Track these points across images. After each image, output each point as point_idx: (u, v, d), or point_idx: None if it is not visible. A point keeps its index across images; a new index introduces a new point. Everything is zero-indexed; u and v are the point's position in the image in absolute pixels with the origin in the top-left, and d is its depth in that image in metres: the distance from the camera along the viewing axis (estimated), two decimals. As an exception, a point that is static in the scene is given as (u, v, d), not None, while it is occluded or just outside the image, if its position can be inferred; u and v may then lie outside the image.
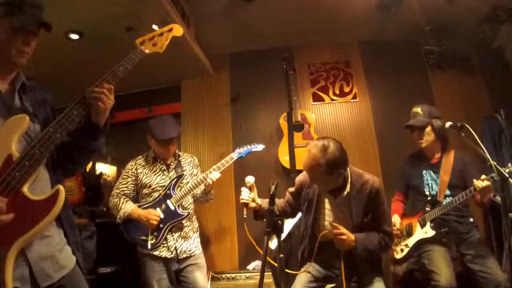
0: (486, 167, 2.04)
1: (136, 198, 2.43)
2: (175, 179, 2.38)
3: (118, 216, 2.28)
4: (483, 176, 1.94)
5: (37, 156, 1.08)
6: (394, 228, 2.29)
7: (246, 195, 1.89)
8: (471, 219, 2.23)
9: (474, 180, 1.97)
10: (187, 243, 2.35)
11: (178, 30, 1.53)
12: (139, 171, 2.41)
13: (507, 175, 1.75)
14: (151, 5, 2.35)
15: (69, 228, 1.28)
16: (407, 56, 3.53)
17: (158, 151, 2.44)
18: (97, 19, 2.50)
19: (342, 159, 1.70)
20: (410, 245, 2.28)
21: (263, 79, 3.57)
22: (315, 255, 1.87)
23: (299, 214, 2.14)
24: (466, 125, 1.87)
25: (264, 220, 1.78)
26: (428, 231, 2.21)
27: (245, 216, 1.87)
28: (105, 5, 2.33)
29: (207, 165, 3.20)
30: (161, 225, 2.26)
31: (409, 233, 2.31)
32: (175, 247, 2.29)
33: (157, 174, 2.41)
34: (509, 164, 1.90)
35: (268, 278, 2.51)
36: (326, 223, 1.86)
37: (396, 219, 2.37)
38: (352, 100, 3.49)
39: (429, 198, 2.28)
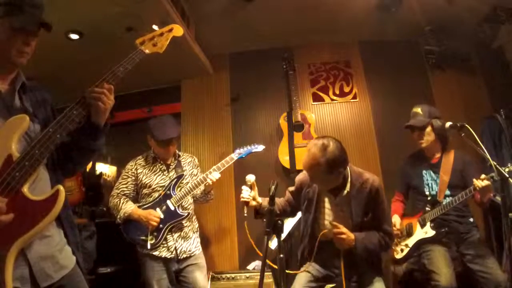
0: (486, 167, 2.04)
1: (136, 198, 2.43)
2: (175, 179, 2.38)
3: (118, 217, 2.28)
4: (483, 176, 1.94)
5: (37, 156, 1.08)
6: (394, 228, 2.29)
7: (246, 193, 1.89)
8: (471, 219, 2.23)
9: (474, 180, 1.97)
10: (187, 243, 2.35)
11: (178, 30, 1.53)
12: (139, 171, 2.41)
13: (507, 175, 1.75)
14: (151, 5, 2.35)
15: (69, 228, 1.28)
16: (407, 56, 3.53)
17: (158, 151, 2.44)
18: (97, 19, 2.50)
19: (342, 158, 1.70)
20: (410, 245, 2.28)
21: (263, 79, 3.57)
22: (315, 254, 1.87)
23: (299, 214, 2.14)
24: (466, 125, 1.88)
25: (264, 220, 1.78)
26: (428, 231, 2.21)
27: (245, 214, 1.87)
28: (105, 5, 2.33)
29: (207, 165, 3.20)
30: (161, 225, 2.26)
31: (409, 233, 2.31)
32: (175, 247, 2.29)
33: (157, 174, 2.41)
34: (509, 164, 1.90)
35: (268, 278, 2.51)
36: (326, 222, 1.86)
37: (396, 219, 2.37)
38: (352, 100, 3.49)
39: (429, 198, 2.28)
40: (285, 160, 3.11)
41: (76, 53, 2.86)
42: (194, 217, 2.53)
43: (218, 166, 2.41)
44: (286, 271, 1.81)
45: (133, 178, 2.40)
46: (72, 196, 3.12)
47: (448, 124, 1.99)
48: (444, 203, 2.16)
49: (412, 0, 2.90)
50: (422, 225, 2.24)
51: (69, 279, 1.21)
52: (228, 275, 2.61)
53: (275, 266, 2.29)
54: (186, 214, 2.34)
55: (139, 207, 2.31)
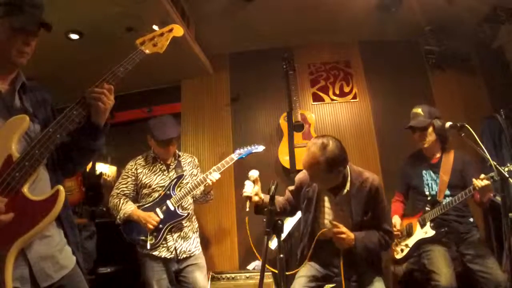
0: (486, 167, 2.04)
1: (136, 198, 2.43)
2: (175, 180, 2.38)
3: (118, 217, 2.28)
4: (482, 176, 1.94)
5: (37, 157, 1.08)
6: (394, 229, 2.29)
7: (250, 188, 1.87)
8: (471, 219, 2.23)
9: (474, 180, 1.97)
10: (186, 243, 2.35)
11: (178, 30, 1.53)
12: (139, 171, 2.41)
13: (507, 175, 1.75)
14: (151, 5, 2.35)
15: (69, 228, 1.28)
16: (407, 56, 3.53)
17: (158, 151, 2.44)
18: (97, 19, 2.50)
19: (341, 157, 1.70)
20: (410, 245, 2.28)
21: (263, 79, 3.57)
22: (314, 254, 1.87)
23: (299, 214, 2.13)
24: (466, 125, 1.88)
25: (264, 220, 1.77)
26: (428, 231, 2.21)
27: (247, 209, 1.85)
28: (105, 5, 2.33)
29: (207, 165, 3.20)
30: (160, 226, 2.26)
31: (409, 233, 2.31)
32: (175, 248, 2.29)
33: (157, 174, 2.41)
34: (508, 163, 1.89)
35: (268, 278, 2.51)
36: (326, 221, 1.86)
37: (396, 220, 2.37)
38: (352, 100, 3.49)
39: (429, 198, 2.28)
40: (285, 160, 3.11)
41: (76, 53, 2.86)
42: (194, 217, 2.53)
43: (218, 167, 2.41)
44: (286, 273, 1.80)
45: (133, 178, 2.40)
46: (72, 196, 3.12)
47: (448, 124, 1.99)
48: (444, 203, 2.16)
49: (412, 0, 2.90)
50: (422, 225, 2.24)
51: (69, 279, 1.21)
52: (228, 275, 2.61)
53: (275, 270, 2.30)
54: (186, 214, 2.34)
55: (139, 207, 2.31)
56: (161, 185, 2.37)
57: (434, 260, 2.09)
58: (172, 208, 2.31)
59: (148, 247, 2.22)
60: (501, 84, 3.26)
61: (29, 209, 1.05)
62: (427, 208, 2.24)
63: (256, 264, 2.87)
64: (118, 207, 2.29)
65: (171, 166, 2.47)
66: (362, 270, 1.81)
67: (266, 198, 1.90)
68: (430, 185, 2.31)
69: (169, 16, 2.46)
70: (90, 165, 3.72)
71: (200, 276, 2.36)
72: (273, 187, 1.62)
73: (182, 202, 2.36)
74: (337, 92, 3.52)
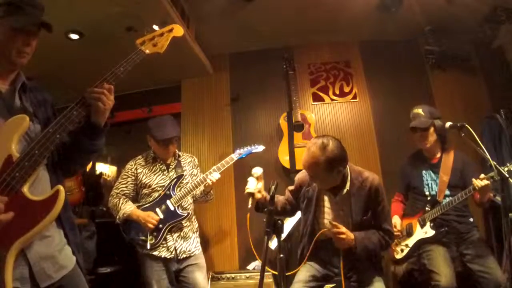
0: (486, 167, 2.04)
1: (136, 198, 2.42)
2: (175, 179, 2.38)
3: (117, 217, 2.28)
4: (482, 175, 1.94)
5: (36, 157, 1.08)
6: (395, 229, 2.28)
7: (253, 185, 1.85)
8: (471, 219, 2.23)
9: (473, 180, 1.97)
10: (186, 243, 2.35)
11: (178, 30, 1.53)
12: (138, 171, 2.41)
13: (507, 175, 1.75)
14: (151, 5, 2.35)
15: (69, 229, 1.28)
16: (407, 56, 3.54)
17: (158, 151, 2.44)
18: (97, 19, 2.50)
19: (341, 157, 1.70)
20: (410, 245, 2.28)
21: (263, 79, 3.57)
22: (314, 253, 1.87)
23: (299, 214, 2.13)
24: (466, 125, 1.88)
25: (264, 220, 1.77)
26: (428, 231, 2.21)
27: (249, 206, 1.84)
28: (105, 5, 2.33)
29: (207, 165, 3.20)
30: (160, 226, 2.26)
31: (409, 233, 2.31)
32: (175, 247, 2.29)
33: (157, 174, 2.41)
34: (507, 163, 1.89)
35: (268, 278, 2.51)
36: (326, 221, 1.86)
37: (396, 220, 2.37)
38: (352, 100, 3.49)
39: (429, 198, 2.28)
40: (285, 160, 3.11)
41: (76, 53, 2.86)
42: (194, 217, 2.53)
43: (218, 167, 2.41)
44: (286, 274, 1.80)
45: (133, 178, 2.40)
46: (72, 196, 3.12)
47: (448, 124, 1.99)
48: (443, 203, 2.16)
49: (412, 0, 2.90)
50: (422, 225, 2.24)
51: (69, 279, 1.21)
52: (228, 275, 2.62)
53: (275, 272, 2.29)
54: (186, 214, 2.34)
55: (138, 207, 2.31)
56: (161, 185, 2.37)
57: (434, 260, 2.09)
58: (172, 208, 2.31)
59: (148, 247, 2.22)
60: (501, 84, 3.26)
61: (29, 209, 1.05)
62: (427, 208, 2.24)
63: (256, 264, 2.87)
64: (117, 207, 2.29)
65: (171, 166, 2.47)
66: (362, 270, 1.81)
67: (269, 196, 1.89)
68: (430, 185, 2.31)
69: (169, 16, 2.46)
70: (90, 165, 3.72)
71: (200, 276, 2.36)
72: (273, 187, 1.62)
73: (182, 202, 2.36)
74: (337, 92, 3.52)
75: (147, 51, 1.41)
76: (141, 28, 2.40)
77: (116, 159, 4.10)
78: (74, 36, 2.66)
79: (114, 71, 1.26)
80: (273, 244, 2.55)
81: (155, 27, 2.32)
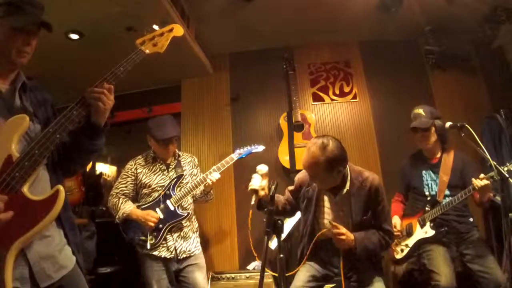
0: (486, 167, 2.04)
1: (136, 198, 2.42)
2: (175, 179, 2.38)
3: (116, 217, 2.28)
4: (482, 175, 1.94)
5: (36, 157, 1.08)
6: (395, 230, 2.28)
7: (257, 182, 1.82)
8: (471, 219, 2.23)
9: (473, 179, 1.97)
10: (186, 243, 2.35)
11: (178, 30, 1.53)
12: (138, 171, 2.41)
13: (507, 175, 1.75)
14: (151, 5, 2.35)
15: (69, 228, 1.28)
16: (407, 56, 3.54)
17: (158, 151, 2.44)
18: (97, 19, 2.50)
19: (341, 157, 1.70)
20: (410, 245, 2.27)
21: (263, 79, 3.57)
22: (313, 253, 1.87)
23: (298, 214, 2.13)
24: (466, 125, 1.88)
25: (264, 220, 1.77)
26: (428, 231, 2.21)
27: (252, 203, 1.82)
28: (105, 5, 2.33)
29: (207, 165, 3.20)
30: (160, 225, 2.26)
31: (409, 233, 2.31)
32: (175, 247, 2.29)
33: (156, 174, 2.41)
34: (507, 163, 1.89)
35: (268, 278, 2.51)
36: (326, 221, 1.86)
37: (396, 220, 2.37)
38: (352, 100, 3.49)
39: (428, 198, 2.28)
40: (285, 160, 3.11)
41: (76, 53, 2.86)
42: (194, 217, 2.52)
43: (218, 167, 2.41)
44: (286, 275, 1.80)
45: (133, 177, 2.40)
46: (72, 196, 3.12)
47: (448, 124, 1.99)
48: (443, 203, 2.16)
49: (412, 0, 2.90)
50: (422, 225, 2.24)
51: (69, 279, 1.21)
52: (228, 275, 2.62)
53: (275, 274, 2.29)
54: (186, 214, 2.34)
55: (138, 207, 2.31)
56: (161, 184, 2.37)
57: (434, 260, 2.09)
58: (172, 208, 2.31)
59: (148, 247, 2.22)
60: (501, 84, 3.26)
61: (29, 209, 1.05)
62: (427, 208, 2.24)
63: (256, 264, 2.87)
64: (117, 207, 2.29)
65: (171, 166, 2.47)
66: (362, 270, 1.81)
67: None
68: (430, 185, 2.31)
69: (169, 16, 2.46)
70: (90, 165, 3.72)
71: (200, 276, 2.35)
72: (273, 187, 1.62)
73: (182, 202, 2.36)
74: (337, 92, 3.52)
75: (147, 51, 1.41)
76: (141, 28, 2.39)
77: (116, 159, 4.10)
78: (74, 36, 2.66)
79: (114, 71, 1.26)
80: (273, 244, 2.54)
81: (155, 27, 2.32)
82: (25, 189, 1.07)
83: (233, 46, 3.63)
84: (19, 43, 1.17)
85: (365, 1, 2.92)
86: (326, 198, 1.90)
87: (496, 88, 3.32)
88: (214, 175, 2.35)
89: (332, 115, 3.48)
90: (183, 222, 2.35)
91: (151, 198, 2.35)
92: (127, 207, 2.27)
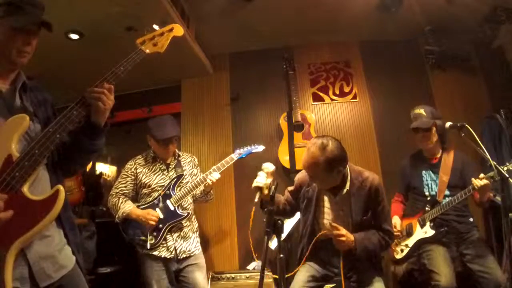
0: (486, 167, 2.04)
1: (136, 198, 2.42)
2: (175, 179, 2.38)
3: (116, 216, 2.28)
4: (482, 175, 1.94)
5: (36, 156, 1.08)
6: (395, 230, 2.28)
7: (262, 179, 1.78)
8: (471, 219, 2.23)
9: (473, 179, 1.97)
10: (186, 243, 2.35)
11: (178, 30, 1.53)
12: (138, 170, 2.41)
13: (507, 175, 1.75)
14: (151, 5, 2.35)
15: (69, 228, 1.28)
16: (407, 56, 3.54)
17: (158, 151, 2.44)
18: (97, 19, 2.50)
19: (341, 157, 1.70)
20: (410, 245, 2.27)
21: (263, 79, 3.57)
22: (313, 254, 1.87)
23: (298, 215, 2.13)
24: (466, 125, 1.88)
25: (264, 220, 1.77)
26: (427, 231, 2.21)
27: (256, 200, 1.79)
28: (105, 5, 2.33)
29: (207, 165, 3.20)
30: (160, 225, 2.26)
31: (409, 233, 2.31)
32: (175, 247, 2.29)
33: (156, 174, 2.41)
34: (507, 162, 1.89)
35: (268, 278, 2.51)
36: (326, 221, 1.86)
37: (396, 220, 2.37)
38: (352, 100, 3.49)
39: (428, 199, 2.28)
40: (285, 160, 3.11)
41: (76, 53, 2.86)
42: (194, 217, 2.52)
43: (218, 166, 2.41)
44: (286, 275, 1.79)
45: (133, 177, 2.40)
46: (72, 196, 3.12)
47: (448, 124, 1.99)
48: (443, 203, 2.16)
49: (412, 0, 2.90)
50: (422, 225, 2.24)
51: (68, 279, 1.21)
52: (228, 275, 2.61)
53: (275, 276, 2.28)
54: (185, 214, 2.34)
55: (138, 207, 2.31)
56: (160, 184, 2.37)
57: (434, 260, 2.09)
58: (172, 208, 2.31)
59: (148, 247, 2.22)
60: (501, 84, 3.27)
61: (29, 209, 1.05)
62: (427, 208, 2.24)
63: (256, 264, 2.87)
64: (117, 206, 2.29)
65: (171, 166, 2.47)
66: (362, 270, 1.81)
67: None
68: (429, 185, 2.31)
69: (169, 16, 2.46)
70: (90, 165, 3.72)
71: (200, 276, 2.35)
72: (273, 187, 1.62)
73: (182, 202, 2.36)
74: (337, 92, 3.52)
75: (147, 51, 1.41)
76: (141, 28, 2.40)
77: (116, 159, 4.10)
78: (74, 36, 2.66)
79: (114, 71, 1.26)
80: (273, 244, 2.54)
81: (155, 26, 2.32)
82: (25, 189, 1.07)
83: (233, 46, 3.63)
84: (19, 43, 1.17)
85: (365, 1, 2.92)
86: (326, 198, 1.89)
87: (496, 88, 3.32)
88: (214, 175, 2.35)
89: (332, 115, 3.48)
90: (183, 222, 2.35)
91: (151, 198, 2.35)
92: (127, 207, 2.27)
